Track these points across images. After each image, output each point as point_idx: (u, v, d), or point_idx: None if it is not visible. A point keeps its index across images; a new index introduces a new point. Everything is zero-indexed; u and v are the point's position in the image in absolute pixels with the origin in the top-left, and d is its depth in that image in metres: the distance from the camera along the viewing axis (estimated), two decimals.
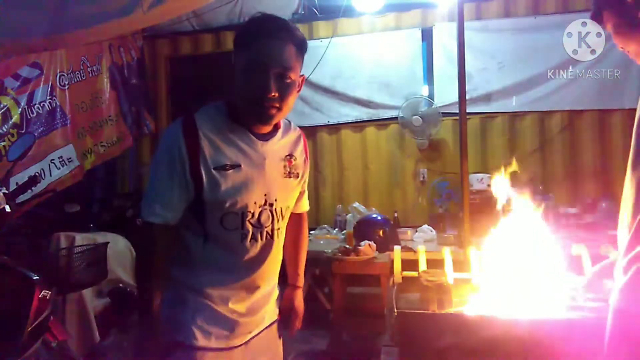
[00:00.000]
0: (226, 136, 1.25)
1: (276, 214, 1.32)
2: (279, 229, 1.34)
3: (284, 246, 1.44)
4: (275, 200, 1.31)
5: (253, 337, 1.37)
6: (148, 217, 1.23)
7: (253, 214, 1.27)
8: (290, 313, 1.57)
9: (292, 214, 1.46)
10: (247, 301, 1.33)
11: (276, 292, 1.48)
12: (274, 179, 1.31)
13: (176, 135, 1.21)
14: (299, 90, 1.29)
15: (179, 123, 1.23)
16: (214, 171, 1.21)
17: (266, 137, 1.30)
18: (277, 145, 1.34)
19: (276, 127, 1.33)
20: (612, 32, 1.28)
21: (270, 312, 1.45)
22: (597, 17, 1.31)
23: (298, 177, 1.39)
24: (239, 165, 1.24)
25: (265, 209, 1.29)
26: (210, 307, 1.28)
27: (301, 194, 1.50)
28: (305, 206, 1.59)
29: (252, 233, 1.28)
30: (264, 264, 1.33)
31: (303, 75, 1.30)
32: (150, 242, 1.25)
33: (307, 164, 1.46)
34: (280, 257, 1.43)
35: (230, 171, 1.23)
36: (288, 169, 1.35)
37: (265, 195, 1.29)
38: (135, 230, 1.31)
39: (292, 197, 1.40)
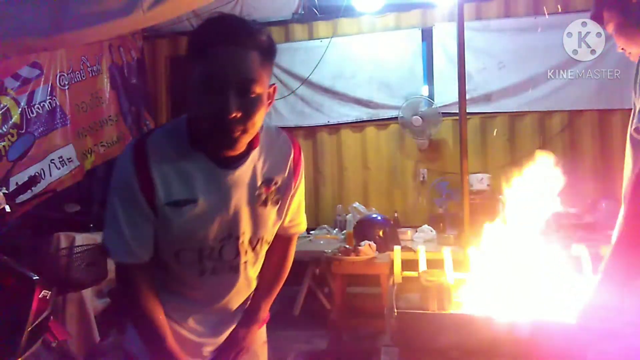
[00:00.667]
0: (183, 166, 1.06)
1: (243, 248, 1.16)
2: (246, 262, 1.18)
3: (262, 267, 1.29)
4: (243, 233, 1.14)
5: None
6: (123, 258, 1.10)
7: (213, 249, 1.12)
8: (226, 345, 1.26)
9: (279, 235, 1.27)
10: (211, 322, 1.23)
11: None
12: (243, 211, 1.12)
13: (126, 169, 1.05)
14: (270, 103, 1.08)
15: (128, 153, 1.06)
16: (166, 207, 1.05)
17: (234, 163, 1.08)
18: (251, 170, 1.12)
19: (251, 146, 1.09)
20: (614, 33, 1.27)
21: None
22: (598, 17, 1.30)
23: (278, 203, 1.18)
24: (196, 200, 1.06)
25: (229, 243, 1.13)
26: (172, 328, 1.17)
27: (287, 213, 1.25)
28: (298, 227, 1.34)
29: (213, 268, 1.14)
30: (227, 296, 1.20)
31: (274, 84, 1.10)
32: (134, 285, 1.11)
33: (298, 179, 1.23)
34: (252, 284, 1.28)
35: (186, 207, 1.06)
36: (264, 197, 1.14)
37: (229, 229, 1.12)
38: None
39: (268, 226, 1.19)
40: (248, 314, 1.29)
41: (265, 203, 1.15)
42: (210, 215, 1.08)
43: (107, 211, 1.09)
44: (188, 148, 1.06)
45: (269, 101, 1.08)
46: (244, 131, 1.01)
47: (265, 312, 1.33)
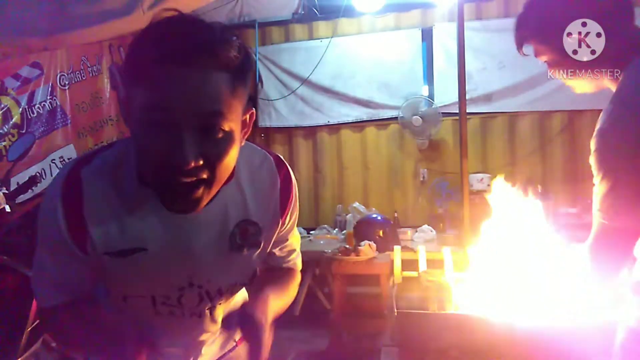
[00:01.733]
0: (128, 207, 0.83)
1: (209, 296, 0.94)
2: (212, 307, 0.97)
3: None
4: (208, 281, 0.92)
5: None
6: (48, 302, 0.90)
7: (169, 297, 0.91)
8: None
9: (273, 266, 1.08)
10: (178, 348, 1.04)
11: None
12: (209, 258, 0.90)
13: (53, 207, 0.82)
14: (246, 132, 0.83)
15: (58, 187, 0.82)
16: (104, 256, 0.84)
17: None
18: (222, 210, 0.88)
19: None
20: (548, 67, 1.20)
21: (221, 342, 1.11)
22: (522, 44, 1.20)
23: (257, 246, 0.94)
24: (144, 249, 0.84)
25: (191, 291, 0.92)
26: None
27: (270, 248, 1.01)
28: (290, 262, 1.10)
29: (170, 312, 0.94)
30: (189, 337, 1.02)
31: (252, 109, 0.83)
32: (65, 322, 0.90)
33: (287, 216, 0.98)
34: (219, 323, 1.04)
35: (132, 257, 0.84)
36: (239, 241, 0.90)
37: (189, 278, 0.90)
38: None
39: (242, 271, 0.97)
40: (254, 298, 0.96)
41: (240, 248, 0.91)
42: (164, 264, 0.87)
43: (36, 250, 0.89)
44: (135, 184, 0.82)
45: (245, 130, 0.82)
46: (209, 183, 0.76)
47: (276, 306, 0.93)
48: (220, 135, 0.73)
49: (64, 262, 0.86)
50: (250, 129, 0.84)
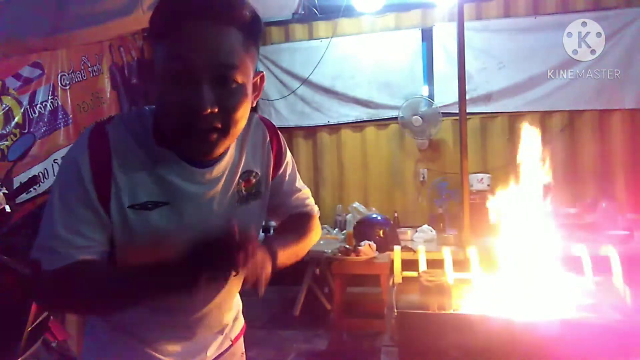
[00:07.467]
0: (149, 163, 0.87)
1: None
2: None
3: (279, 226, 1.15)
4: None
5: None
6: (55, 263, 0.80)
7: None
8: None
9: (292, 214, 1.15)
10: (184, 343, 1.04)
11: (231, 320, 1.16)
12: (220, 212, 0.94)
13: (79, 155, 0.83)
14: (257, 95, 0.90)
15: (85, 138, 0.85)
16: (129, 210, 0.85)
17: (211, 160, 0.89)
18: (229, 165, 0.94)
19: None
20: None
21: (220, 342, 1.13)
22: None
23: (260, 196, 1.01)
24: (167, 204, 0.88)
25: None
26: (139, 348, 1.00)
27: (281, 200, 1.11)
28: (308, 207, 1.18)
29: None
30: (205, 307, 1.02)
31: (261, 72, 0.91)
32: (79, 282, 0.81)
33: (283, 162, 1.07)
34: (236, 301, 1.14)
35: (154, 211, 0.87)
36: (244, 193, 0.97)
37: (205, 235, 0.88)
38: None
39: (252, 225, 1.02)
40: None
41: (246, 200, 0.98)
42: (183, 221, 0.90)
43: (45, 212, 0.85)
44: (153, 144, 0.87)
45: (256, 93, 0.89)
46: (223, 132, 0.81)
47: (282, 255, 0.95)
48: (234, 86, 0.80)
49: (82, 220, 0.82)
50: (260, 92, 0.92)
